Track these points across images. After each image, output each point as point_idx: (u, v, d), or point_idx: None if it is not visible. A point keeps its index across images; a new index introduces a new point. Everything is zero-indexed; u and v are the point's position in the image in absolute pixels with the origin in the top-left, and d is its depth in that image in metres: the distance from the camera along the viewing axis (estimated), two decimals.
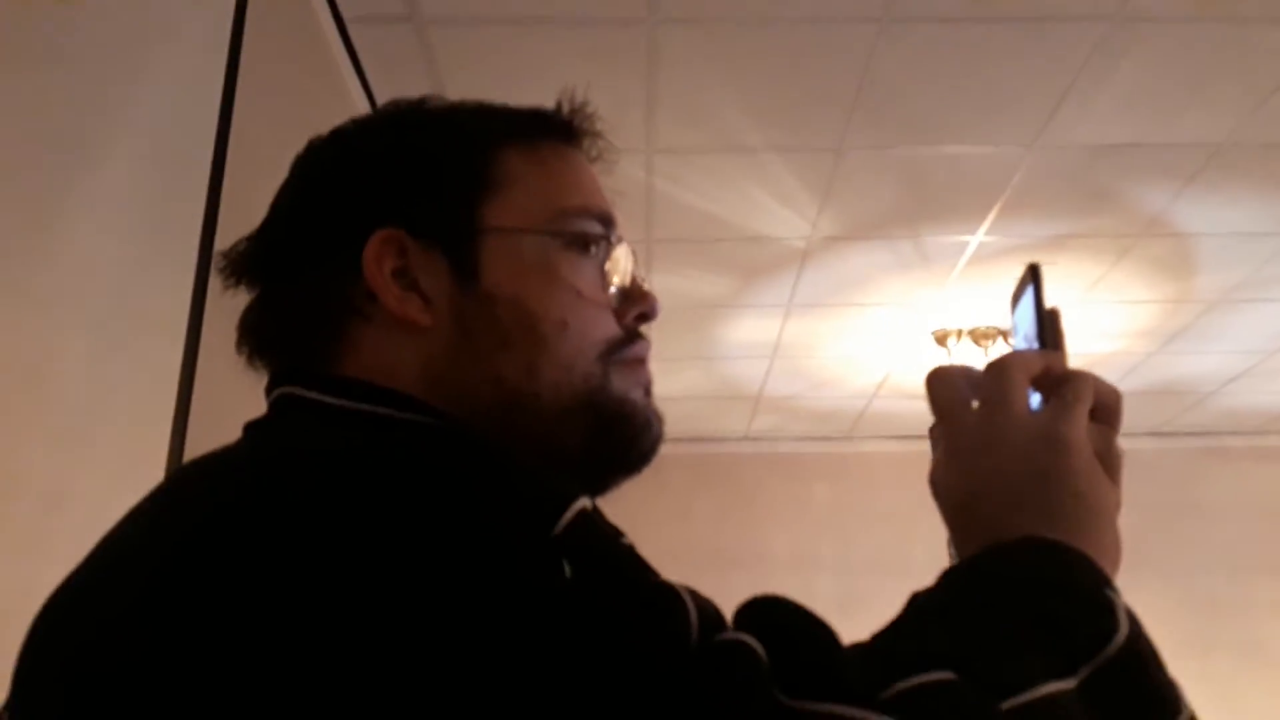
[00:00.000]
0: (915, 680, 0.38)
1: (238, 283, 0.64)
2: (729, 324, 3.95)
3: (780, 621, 0.41)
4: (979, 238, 3.31)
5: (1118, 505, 0.55)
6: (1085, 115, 2.71)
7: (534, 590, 0.38)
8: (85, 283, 1.20)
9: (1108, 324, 4.04)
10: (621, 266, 0.64)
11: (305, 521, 0.40)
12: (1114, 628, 0.44)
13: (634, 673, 0.36)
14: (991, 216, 3.18)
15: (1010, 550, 0.48)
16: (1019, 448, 0.52)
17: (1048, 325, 0.61)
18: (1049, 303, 0.64)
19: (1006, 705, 0.39)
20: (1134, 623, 0.45)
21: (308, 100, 1.99)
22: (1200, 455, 5.43)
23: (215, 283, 0.69)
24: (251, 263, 0.64)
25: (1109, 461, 0.55)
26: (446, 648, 0.36)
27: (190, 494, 0.46)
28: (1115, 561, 0.50)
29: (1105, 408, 0.56)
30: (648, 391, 0.63)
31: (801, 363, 4.34)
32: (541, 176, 0.63)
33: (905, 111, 2.68)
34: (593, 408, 0.59)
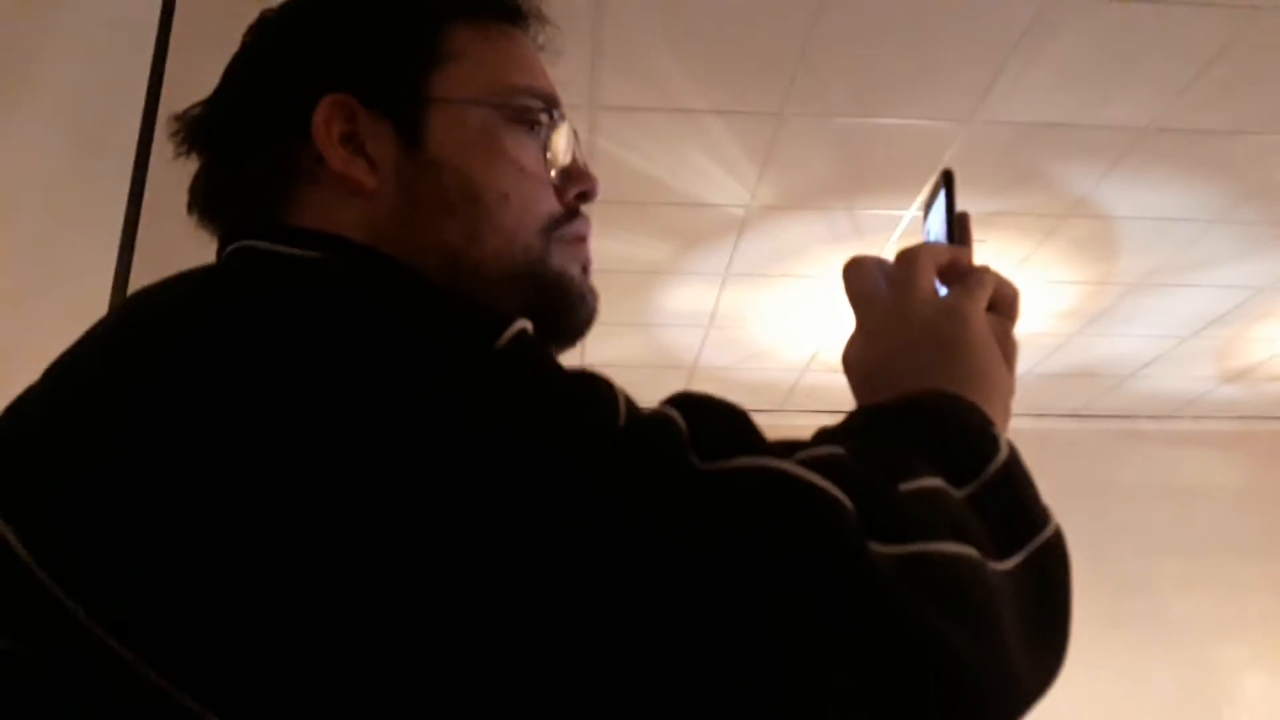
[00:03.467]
0: (817, 450, 0.42)
1: (189, 150, 0.64)
2: (666, 291, 3.97)
3: (699, 401, 0.44)
4: (912, 212, 3.38)
5: (1011, 391, 0.59)
6: (1019, 93, 2.78)
7: (481, 389, 0.40)
8: (28, 167, 1.18)
9: (1033, 304, 4.16)
10: (564, 146, 0.66)
11: (268, 353, 0.41)
12: (995, 450, 0.48)
13: (570, 447, 0.39)
14: (925, 191, 3.25)
15: (906, 397, 0.52)
16: (923, 322, 0.57)
17: (957, 227, 0.65)
18: (959, 207, 0.67)
19: (899, 486, 0.42)
20: (1013, 449, 0.49)
21: None
22: (1116, 437, 5.62)
23: (159, 156, 0.68)
24: (202, 127, 0.64)
25: (1006, 349, 0.60)
26: (405, 444, 0.38)
27: (145, 330, 0.46)
28: (1004, 428, 0.54)
29: (1005, 300, 0.61)
30: (586, 270, 0.65)
31: (736, 333, 4.39)
32: (489, 53, 0.65)
33: (846, 80, 2.72)
34: (532, 278, 0.61)
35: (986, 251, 3.66)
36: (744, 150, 3.02)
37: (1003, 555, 0.43)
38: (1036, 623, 0.45)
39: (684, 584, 0.35)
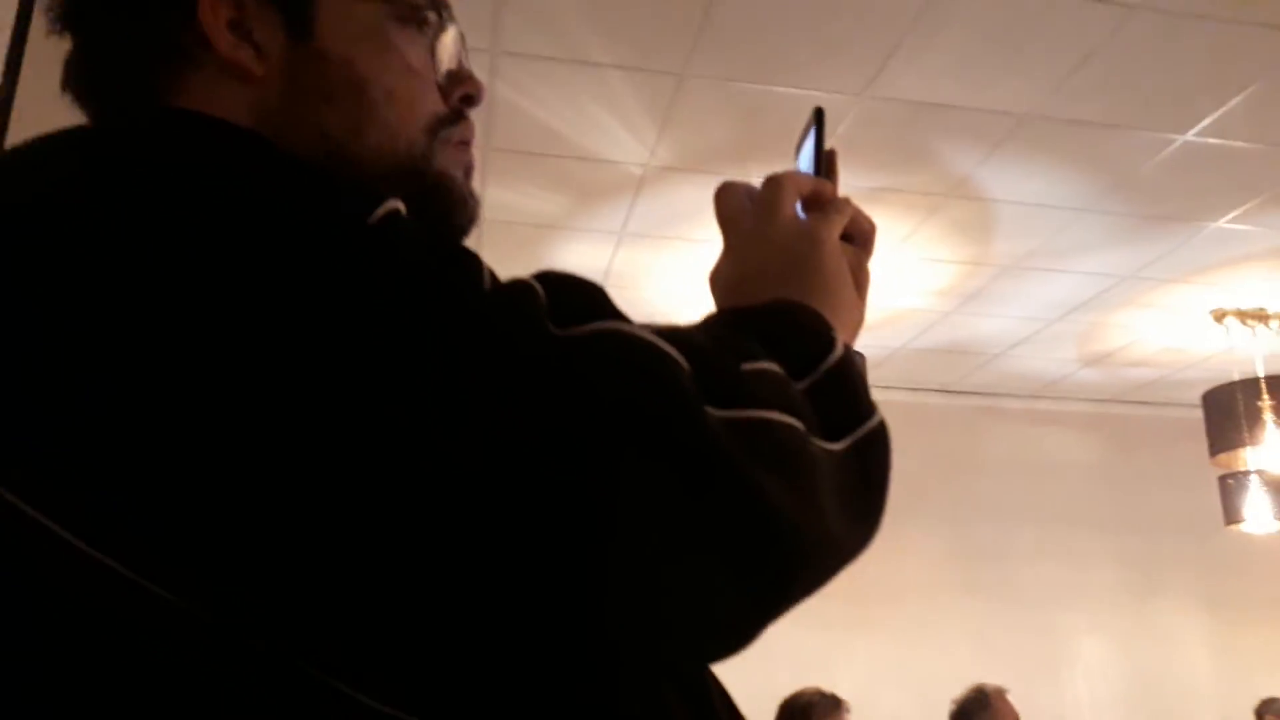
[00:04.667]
0: (668, 326, 0.47)
1: (64, 28, 0.62)
2: (560, 248, 3.96)
3: (559, 276, 0.47)
4: None
5: (859, 313, 0.64)
6: (911, 72, 2.86)
7: (352, 257, 0.41)
8: None
9: (912, 281, 4.31)
10: (451, 49, 0.66)
11: (137, 217, 0.41)
12: (831, 349, 0.52)
13: (434, 308, 0.41)
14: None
15: (758, 302, 0.57)
16: (781, 242, 0.61)
17: (824, 163, 0.69)
18: (828, 145, 0.71)
19: (740, 364, 0.47)
20: (849, 351, 0.54)
21: None
22: (981, 414, 5.89)
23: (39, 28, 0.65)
24: (79, 2, 0.62)
25: (859, 278, 0.65)
26: (275, 309, 0.39)
27: (12, 186, 0.45)
28: (847, 339, 0.58)
29: (862, 234, 0.65)
30: (468, 174, 0.66)
31: (632, 294, 4.41)
32: None
33: (747, 46, 2.75)
34: (415, 175, 0.61)
35: None
36: (644, 108, 3.03)
37: (831, 438, 0.47)
38: (855, 498, 0.48)
39: (534, 433, 0.38)
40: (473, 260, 0.45)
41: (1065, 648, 5.58)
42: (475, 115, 0.67)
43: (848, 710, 2.40)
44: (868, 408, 0.52)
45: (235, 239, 0.40)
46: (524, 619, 0.38)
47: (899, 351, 5.13)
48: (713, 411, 0.41)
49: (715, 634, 0.44)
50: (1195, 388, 4.56)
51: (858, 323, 0.62)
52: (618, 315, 0.45)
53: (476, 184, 0.69)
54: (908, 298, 4.48)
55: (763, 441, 0.43)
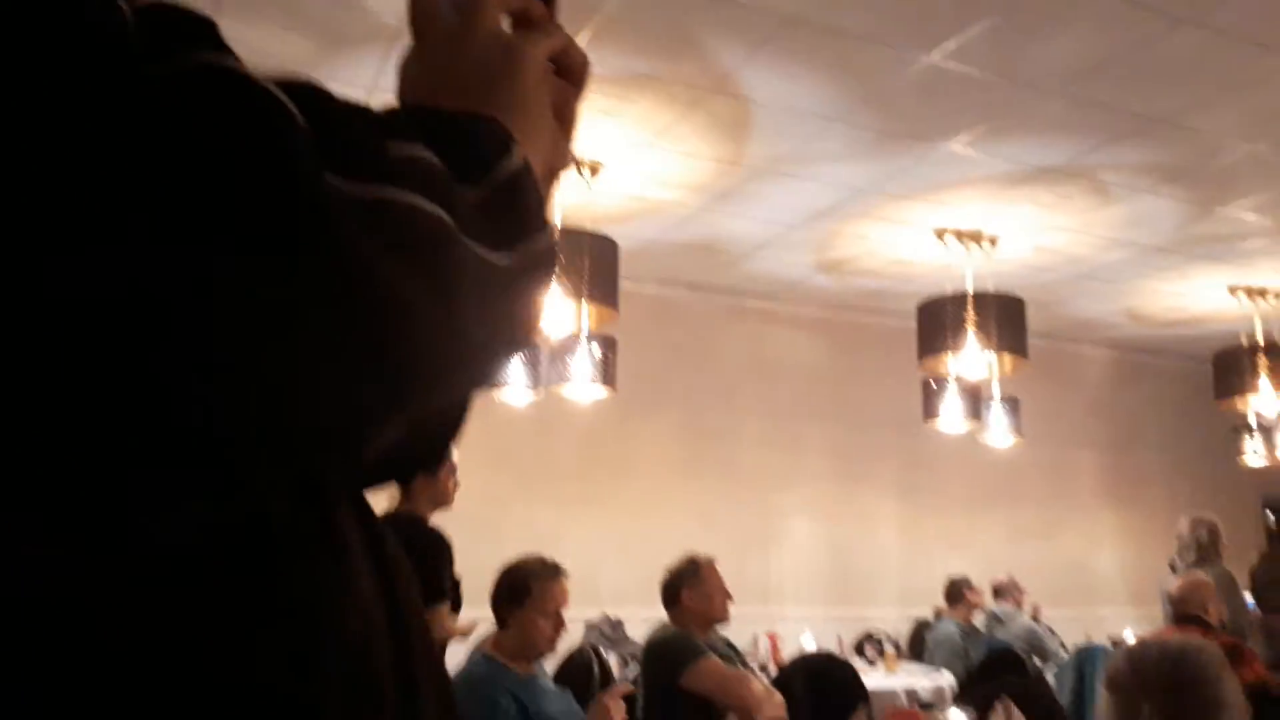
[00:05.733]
0: (295, 77, 0.40)
1: None
2: None
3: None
4: None
5: (562, 158, 0.59)
6: None
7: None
8: None
9: (668, 173, 4.36)
10: None
11: None
12: (508, 159, 0.48)
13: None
14: (583, 40, 3.24)
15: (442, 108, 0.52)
16: (477, 53, 0.56)
17: None
18: None
19: (386, 140, 0.41)
20: (530, 168, 0.50)
21: None
22: (723, 311, 6.15)
23: None
24: None
25: (564, 114, 0.60)
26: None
27: None
28: (537, 166, 0.54)
29: (574, 68, 0.61)
30: None
31: None
32: None
33: None
34: None
35: (633, 116, 3.72)
36: None
37: (491, 246, 0.44)
38: (504, 314, 0.47)
39: (111, 179, 0.33)
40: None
41: (777, 525, 6.05)
42: None
43: (566, 578, 2.48)
44: (539, 227, 0.49)
45: None
46: (111, 409, 0.33)
47: (652, 245, 5.22)
48: (333, 179, 0.36)
49: (330, 425, 0.39)
50: (914, 300, 4.95)
51: (555, 159, 0.58)
52: (227, 52, 0.38)
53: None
54: (662, 190, 4.53)
55: (392, 222, 0.38)
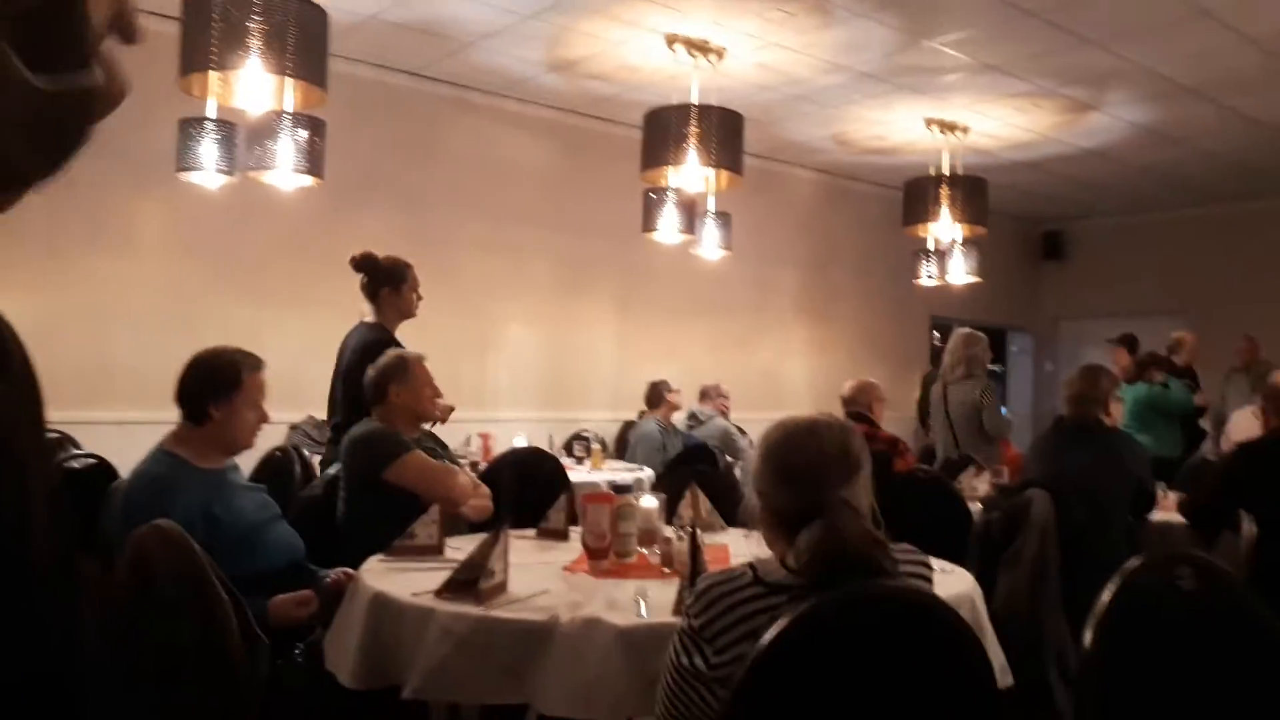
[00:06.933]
0: None
1: None
2: None
3: None
4: None
5: (130, 24, 0.57)
6: None
7: None
8: None
9: None
10: None
11: None
12: None
13: None
14: None
15: None
16: None
17: None
18: None
19: None
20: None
21: None
22: (446, 104, 5.84)
23: None
24: None
25: None
26: None
27: None
28: None
29: None
30: None
31: None
32: None
33: None
34: None
35: None
36: None
37: (32, 67, 0.46)
38: (38, 135, 0.48)
39: None
40: None
41: (496, 332, 6.05)
42: None
43: (265, 368, 2.34)
44: (84, 59, 0.50)
45: None
46: None
47: (369, 22, 4.79)
48: None
49: None
50: (641, 109, 4.89)
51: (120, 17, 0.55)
52: None
53: None
54: None
55: None
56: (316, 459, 4.52)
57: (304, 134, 3.81)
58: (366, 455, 2.76)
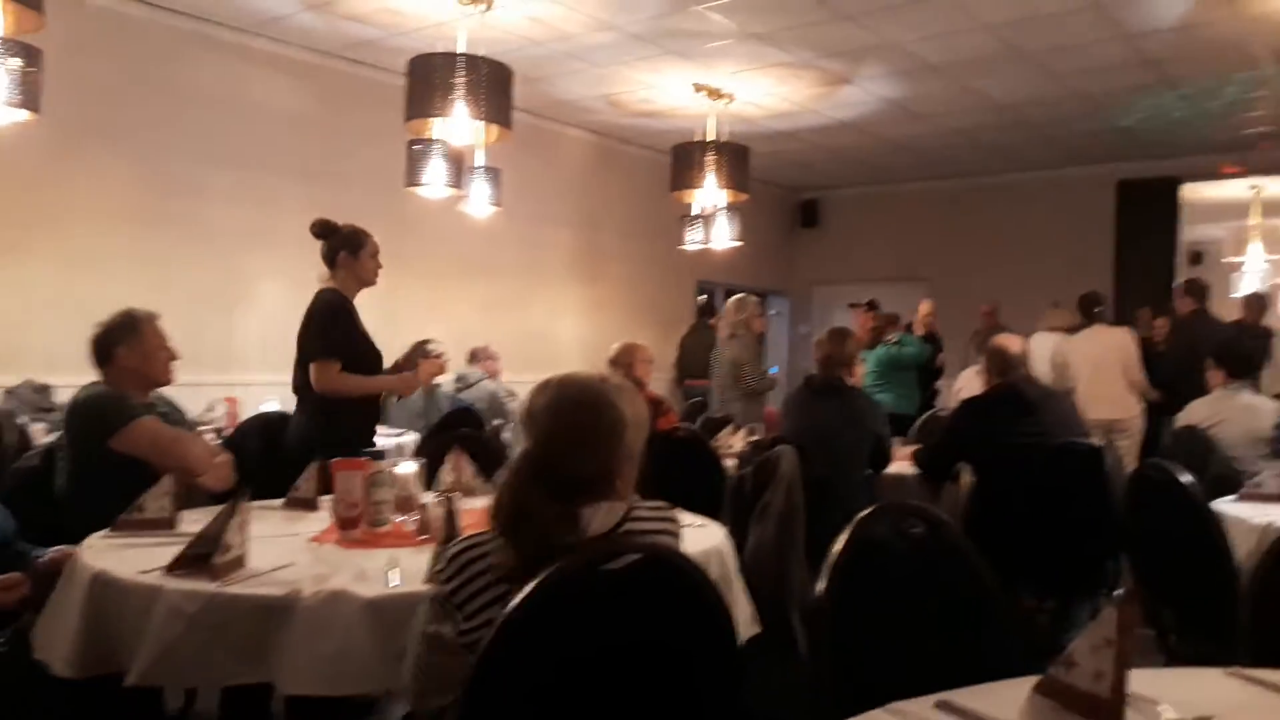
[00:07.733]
0: None
1: None
2: None
3: None
4: None
5: None
6: None
7: None
8: None
9: None
10: None
11: None
12: None
13: None
14: None
15: None
16: None
17: None
18: None
19: None
20: None
21: None
22: (190, 38, 5.37)
23: None
24: None
25: None
26: None
27: None
28: None
29: None
30: None
31: None
32: None
33: None
34: None
35: None
36: None
37: None
38: None
39: None
40: None
41: (246, 287, 5.66)
42: None
43: None
44: None
45: None
46: None
47: None
48: None
49: None
50: (404, 55, 4.68)
51: None
52: None
53: None
54: None
55: None
56: (39, 427, 4.10)
57: (17, 62, 3.40)
58: (90, 422, 2.51)
